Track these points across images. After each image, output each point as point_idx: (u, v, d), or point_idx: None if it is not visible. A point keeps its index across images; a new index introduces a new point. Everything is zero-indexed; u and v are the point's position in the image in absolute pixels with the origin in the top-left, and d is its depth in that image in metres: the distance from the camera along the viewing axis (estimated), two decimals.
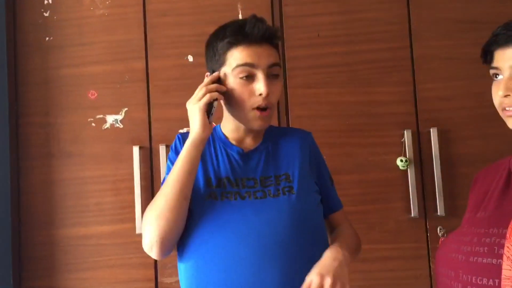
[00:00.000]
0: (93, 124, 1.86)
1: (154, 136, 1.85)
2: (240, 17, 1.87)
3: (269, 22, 1.84)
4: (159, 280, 1.82)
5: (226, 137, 1.27)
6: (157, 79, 1.88)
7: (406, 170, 1.82)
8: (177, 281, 1.79)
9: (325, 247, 1.14)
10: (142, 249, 1.79)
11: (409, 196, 1.81)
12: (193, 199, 1.17)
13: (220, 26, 1.23)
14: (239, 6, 1.89)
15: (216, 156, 1.24)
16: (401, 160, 1.81)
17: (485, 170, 1.21)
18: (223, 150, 1.25)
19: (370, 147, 1.85)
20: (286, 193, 1.18)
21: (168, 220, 1.11)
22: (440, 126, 1.84)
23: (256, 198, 1.17)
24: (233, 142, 1.26)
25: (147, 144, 1.85)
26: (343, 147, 1.85)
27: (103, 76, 1.88)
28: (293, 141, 1.29)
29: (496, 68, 1.10)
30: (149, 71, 1.88)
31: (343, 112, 1.86)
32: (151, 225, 1.12)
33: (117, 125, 1.86)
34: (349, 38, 1.89)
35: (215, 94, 1.16)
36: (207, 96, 1.14)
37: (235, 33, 1.17)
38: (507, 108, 1.08)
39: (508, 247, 0.96)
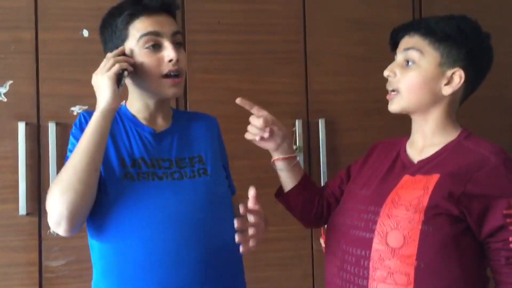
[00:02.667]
0: None
1: (43, 112, 1.75)
2: None
3: None
4: (43, 263, 1.74)
5: (134, 117, 1.24)
6: (47, 52, 1.77)
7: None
8: (64, 265, 1.75)
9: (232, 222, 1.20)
10: (25, 231, 1.73)
11: None
12: (108, 180, 1.15)
13: (113, 6, 1.22)
14: None
15: (128, 136, 1.22)
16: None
17: (385, 144, 1.33)
18: (133, 130, 1.23)
19: None
20: (202, 175, 1.22)
21: (78, 192, 1.07)
22: (328, 117, 1.98)
23: (174, 179, 1.19)
24: (144, 122, 1.24)
25: (34, 121, 1.74)
26: (238, 133, 1.88)
27: None
28: (202, 124, 1.33)
29: (395, 53, 1.22)
30: (39, 42, 1.77)
31: None
32: (59, 198, 1.07)
33: (0, 98, 1.73)
34: (248, 27, 1.95)
35: (125, 64, 1.14)
36: (117, 66, 1.12)
37: (134, 4, 1.17)
38: (389, 90, 1.20)
39: (380, 224, 1.09)
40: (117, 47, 1.18)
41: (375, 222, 1.11)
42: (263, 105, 1.92)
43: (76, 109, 1.78)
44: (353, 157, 1.96)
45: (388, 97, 1.21)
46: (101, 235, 1.16)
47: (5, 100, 1.73)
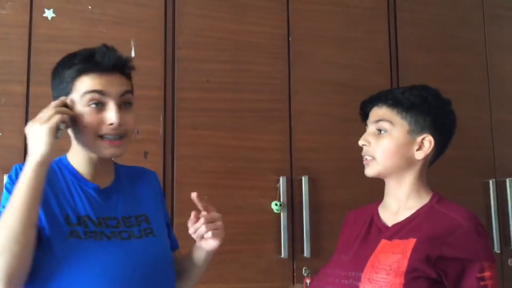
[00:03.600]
0: None
1: None
2: (133, 53, 1.89)
3: (162, 63, 1.92)
4: None
5: (77, 171, 1.19)
6: (38, 106, 1.73)
7: (279, 214, 1.97)
8: None
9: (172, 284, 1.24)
10: None
11: (281, 238, 1.95)
12: (53, 238, 1.10)
13: (68, 54, 1.20)
14: (132, 42, 1.91)
15: (70, 191, 1.17)
16: (276, 204, 1.96)
17: (355, 213, 1.39)
18: (76, 185, 1.18)
19: (248, 189, 1.97)
20: (149, 235, 1.20)
21: (15, 253, 1.02)
22: (311, 174, 2.04)
23: (123, 239, 1.16)
24: (86, 177, 1.19)
25: None
26: (224, 189, 1.94)
27: None
28: (145, 181, 1.31)
29: (366, 124, 1.31)
30: (30, 96, 1.78)
31: (226, 155, 1.96)
32: None
33: None
34: (236, 86, 2.02)
35: (66, 117, 1.10)
36: (57, 117, 1.08)
37: (85, 61, 1.14)
38: (365, 156, 1.27)
39: None
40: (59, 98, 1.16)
41: (356, 287, 1.14)
42: (249, 161, 1.99)
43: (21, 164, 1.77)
44: (335, 214, 2.03)
45: (364, 162, 1.28)
46: None
47: None
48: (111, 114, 1.13)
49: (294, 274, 1.98)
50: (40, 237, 1.09)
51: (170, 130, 1.90)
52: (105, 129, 1.13)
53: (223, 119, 1.98)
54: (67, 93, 1.15)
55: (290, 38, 2.10)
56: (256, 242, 1.96)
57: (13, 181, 1.13)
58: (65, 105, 1.13)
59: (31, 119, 1.74)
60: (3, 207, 1.10)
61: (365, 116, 1.33)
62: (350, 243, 1.29)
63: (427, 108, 1.23)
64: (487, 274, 1.11)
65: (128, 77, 1.20)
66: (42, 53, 1.81)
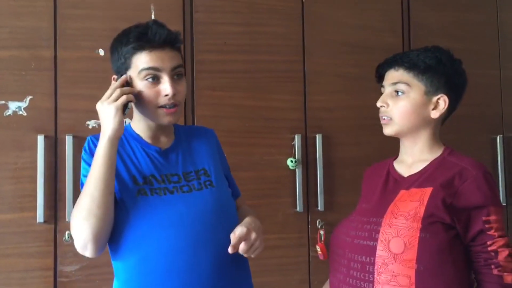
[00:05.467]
0: None
1: (60, 126, 1.86)
2: (153, 17, 1.96)
3: (180, 26, 1.98)
4: (58, 269, 1.83)
5: (140, 136, 1.34)
6: (66, 70, 1.88)
7: (295, 170, 2.07)
8: (77, 270, 1.85)
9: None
10: (41, 238, 1.83)
11: (296, 192, 2.06)
12: (125, 197, 1.25)
13: (123, 31, 1.31)
14: (152, 6, 1.97)
15: (135, 155, 1.32)
16: (291, 161, 2.06)
17: (372, 168, 1.49)
18: (140, 149, 1.32)
19: (265, 147, 2.07)
20: (208, 186, 1.33)
21: (98, 217, 1.18)
22: (324, 132, 2.13)
23: (184, 192, 1.29)
24: (148, 141, 1.34)
25: (52, 134, 1.85)
26: (242, 147, 2.05)
27: (7, 62, 1.83)
28: (202, 138, 1.44)
29: (382, 86, 1.38)
30: (58, 61, 1.88)
31: (243, 114, 2.05)
32: (82, 225, 1.18)
33: (20, 112, 1.83)
34: (251, 48, 2.09)
35: (131, 96, 1.23)
36: (124, 97, 1.21)
37: (138, 39, 1.25)
38: (383, 117, 1.35)
39: (382, 232, 1.24)
40: (119, 72, 1.29)
41: (377, 232, 1.25)
42: (265, 120, 2.08)
43: (92, 123, 1.89)
44: (347, 170, 2.14)
45: (382, 122, 1.36)
46: (122, 252, 1.25)
47: (25, 114, 1.84)
48: (166, 86, 1.26)
49: (309, 227, 2.09)
50: (115, 199, 1.24)
51: (190, 91, 1.99)
52: (162, 101, 1.26)
53: (240, 80, 2.06)
54: (126, 68, 1.27)
55: (304, 0, 2.15)
56: (273, 197, 2.07)
57: (86, 151, 1.30)
58: (126, 82, 1.27)
59: (59, 82, 1.87)
60: (83, 175, 1.28)
61: (380, 77, 1.40)
62: (370, 194, 1.39)
63: (441, 69, 1.30)
64: (492, 217, 1.20)
65: (178, 49, 1.32)
66: (67, 19, 1.90)
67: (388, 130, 1.34)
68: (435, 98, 1.31)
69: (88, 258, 1.81)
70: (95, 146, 1.26)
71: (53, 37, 1.88)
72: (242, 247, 1.22)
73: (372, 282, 1.21)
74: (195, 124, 1.99)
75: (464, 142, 2.24)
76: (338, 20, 2.19)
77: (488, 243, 1.20)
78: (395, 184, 1.34)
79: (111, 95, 1.22)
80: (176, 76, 1.29)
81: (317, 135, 2.10)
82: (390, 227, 1.23)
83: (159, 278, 1.22)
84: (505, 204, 2.29)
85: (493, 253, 1.19)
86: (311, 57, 2.14)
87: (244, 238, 1.23)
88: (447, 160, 1.30)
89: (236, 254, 1.24)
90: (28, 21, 1.86)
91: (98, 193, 1.18)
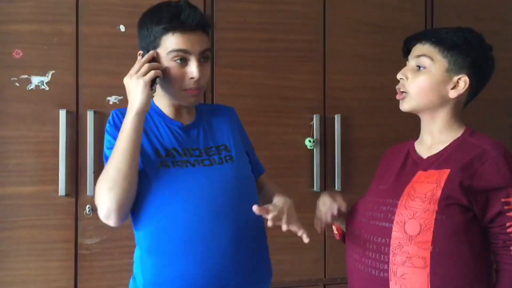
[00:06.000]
0: (16, 84, 1.84)
1: (82, 101, 1.89)
2: None
3: (202, 4, 1.98)
4: (79, 241, 1.88)
5: (163, 112, 1.36)
6: (87, 45, 1.90)
7: (312, 150, 2.07)
8: (98, 242, 1.89)
9: (257, 202, 1.35)
10: (63, 210, 1.87)
11: (313, 172, 2.07)
12: (148, 168, 1.28)
13: (155, 7, 1.30)
14: None
15: (158, 129, 1.34)
16: (310, 141, 2.06)
17: (392, 149, 1.48)
18: (163, 123, 1.35)
19: (283, 127, 2.08)
20: (228, 161, 1.36)
21: (123, 188, 1.21)
22: (343, 113, 2.12)
23: (205, 165, 1.32)
24: (171, 117, 1.36)
25: (74, 109, 1.88)
26: (260, 125, 2.05)
27: (30, 36, 1.85)
28: (223, 116, 1.46)
29: (407, 60, 1.36)
30: (79, 36, 1.89)
31: (262, 93, 2.06)
32: (107, 195, 1.21)
33: (43, 87, 1.86)
34: (271, 26, 2.08)
35: (159, 72, 1.25)
36: (152, 73, 1.23)
37: (171, 20, 1.25)
38: (400, 89, 1.33)
39: (398, 214, 1.24)
40: (147, 49, 1.29)
41: (393, 213, 1.25)
42: (284, 100, 2.08)
43: (112, 99, 1.91)
44: (366, 151, 2.13)
45: (398, 96, 1.34)
46: (143, 221, 1.29)
47: (47, 89, 1.86)
48: (193, 69, 1.27)
49: None
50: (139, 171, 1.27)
51: (210, 69, 1.98)
52: (187, 83, 1.28)
53: (260, 58, 2.06)
54: (154, 47, 1.28)
55: None
56: (290, 176, 2.08)
57: (111, 124, 1.32)
58: (153, 58, 1.28)
59: (81, 57, 1.88)
60: (107, 148, 1.30)
61: (407, 52, 1.38)
62: (387, 174, 1.38)
63: (468, 50, 1.28)
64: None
65: (208, 33, 1.33)
66: None
67: (404, 106, 1.33)
68: (456, 78, 1.28)
69: (108, 231, 1.90)
70: (120, 119, 1.29)
71: (75, 12, 1.89)
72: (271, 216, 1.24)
73: (387, 263, 1.22)
74: (214, 103, 2.00)
75: (483, 126, 2.20)
76: None
77: (507, 224, 1.18)
78: (413, 165, 1.33)
79: (139, 69, 1.23)
80: (202, 59, 1.30)
81: (335, 115, 2.10)
82: (406, 209, 1.23)
83: (179, 247, 1.26)
84: None
85: None
86: (331, 37, 2.13)
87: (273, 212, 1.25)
88: (467, 141, 1.28)
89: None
90: None
91: (124, 166, 1.21)
